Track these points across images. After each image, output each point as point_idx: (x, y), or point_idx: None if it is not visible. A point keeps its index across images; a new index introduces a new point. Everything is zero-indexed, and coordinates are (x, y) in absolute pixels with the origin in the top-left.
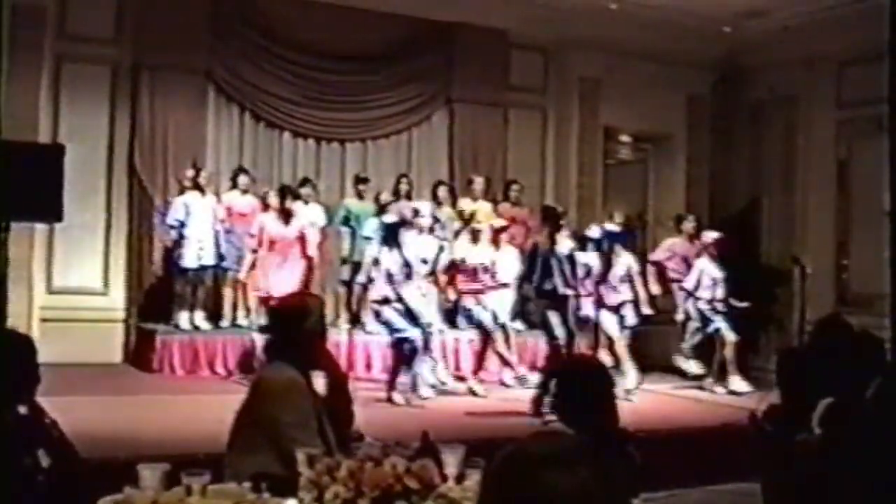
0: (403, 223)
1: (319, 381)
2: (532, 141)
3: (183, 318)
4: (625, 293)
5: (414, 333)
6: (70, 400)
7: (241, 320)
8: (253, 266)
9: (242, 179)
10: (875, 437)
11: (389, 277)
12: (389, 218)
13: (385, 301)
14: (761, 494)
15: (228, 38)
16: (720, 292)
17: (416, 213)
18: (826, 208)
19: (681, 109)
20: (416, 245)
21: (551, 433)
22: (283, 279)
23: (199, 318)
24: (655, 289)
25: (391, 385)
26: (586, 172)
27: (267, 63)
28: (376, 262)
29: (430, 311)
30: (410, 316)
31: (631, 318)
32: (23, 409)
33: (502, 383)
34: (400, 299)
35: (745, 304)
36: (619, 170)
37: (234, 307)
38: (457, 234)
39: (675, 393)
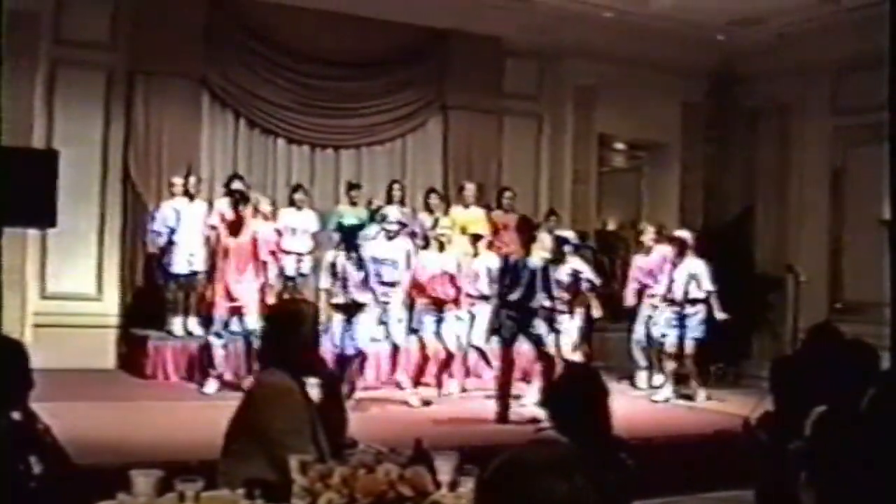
0: (362, 227)
1: (313, 388)
2: (526, 148)
3: (176, 323)
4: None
5: (357, 346)
6: (63, 406)
7: (234, 326)
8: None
9: (236, 185)
10: (870, 446)
11: (345, 283)
12: (347, 220)
13: (338, 308)
14: (755, 502)
15: (223, 45)
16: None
17: (382, 217)
18: (820, 216)
19: (675, 117)
20: (381, 250)
21: (546, 441)
22: (244, 287)
23: (193, 323)
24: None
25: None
26: (581, 180)
27: (261, 69)
28: (333, 266)
29: (390, 322)
30: (353, 326)
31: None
32: (15, 415)
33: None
34: (357, 306)
35: (724, 316)
36: (614, 177)
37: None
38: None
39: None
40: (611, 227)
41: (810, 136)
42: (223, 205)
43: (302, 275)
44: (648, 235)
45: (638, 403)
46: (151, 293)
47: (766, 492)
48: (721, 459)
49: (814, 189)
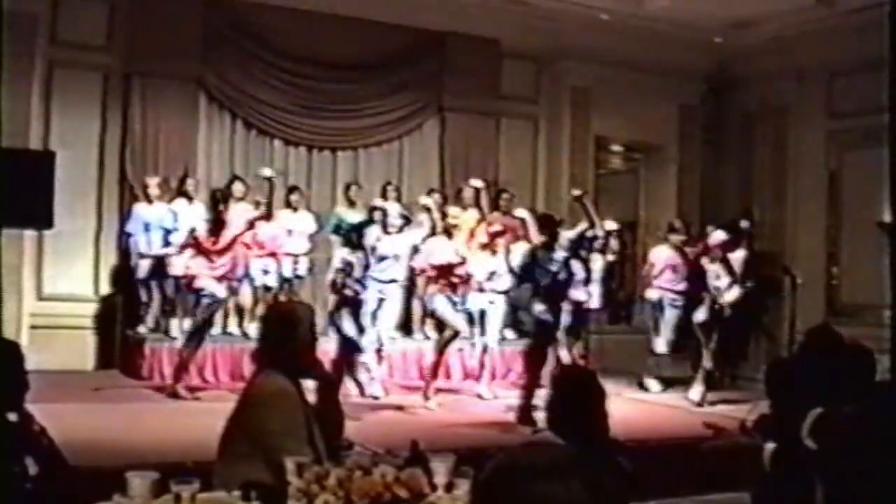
0: (369, 223)
1: (309, 390)
2: (523, 150)
3: (173, 325)
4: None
5: (363, 340)
6: (59, 407)
7: (232, 328)
8: None
9: (237, 187)
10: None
11: (351, 279)
12: (353, 217)
13: (343, 303)
14: None
15: (220, 46)
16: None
17: (384, 213)
18: (816, 219)
19: (672, 119)
20: (384, 245)
21: (542, 444)
22: None
23: (189, 325)
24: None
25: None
26: (577, 182)
27: (258, 71)
28: (349, 264)
29: (389, 318)
30: (361, 321)
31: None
32: (12, 417)
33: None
34: (358, 303)
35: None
36: (611, 179)
37: (225, 315)
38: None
39: (665, 402)
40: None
41: (806, 139)
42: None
43: (298, 276)
44: (678, 235)
45: (635, 406)
46: (148, 294)
47: (762, 494)
48: (717, 462)
49: (810, 192)
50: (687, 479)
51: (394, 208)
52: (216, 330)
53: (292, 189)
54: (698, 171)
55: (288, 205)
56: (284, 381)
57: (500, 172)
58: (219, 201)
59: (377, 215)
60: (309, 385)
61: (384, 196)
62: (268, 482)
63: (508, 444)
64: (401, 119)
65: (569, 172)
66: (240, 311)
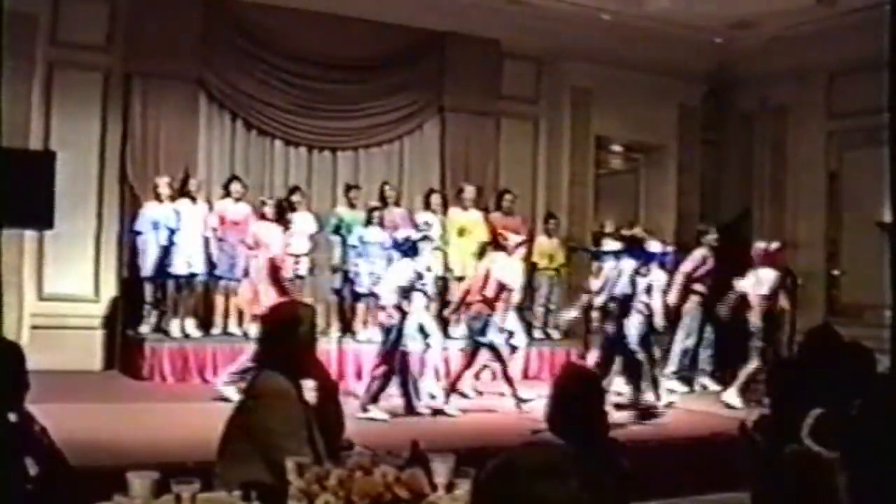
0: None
1: (310, 390)
2: (524, 150)
3: (173, 325)
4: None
5: (418, 347)
6: (60, 407)
7: (232, 328)
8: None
9: (235, 187)
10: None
11: (402, 290)
12: (411, 234)
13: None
14: None
15: (220, 47)
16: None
17: (427, 225)
18: (816, 219)
19: (672, 120)
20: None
21: (542, 444)
22: None
23: (190, 325)
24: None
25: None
26: (578, 182)
27: (259, 71)
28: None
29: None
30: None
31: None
32: (12, 417)
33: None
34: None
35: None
36: (611, 179)
37: (226, 315)
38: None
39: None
40: (608, 229)
41: (806, 139)
42: (223, 206)
43: (299, 276)
44: (713, 236)
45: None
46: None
47: (762, 494)
48: (717, 462)
49: (810, 192)
50: (687, 479)
51: (433, 219)
52: (216, 330)
53: (293, 189)
54: (698, 171)
55: (289, 205)
56: (284, 381)
57: (500, 173)
58: (284, 210)
59: (424, 227)
60: (309, 385)
61: (382, 198)
62: (268, 482)
63: (508, 444)
64: (401, 119)
65: (569, 173)
66: (240, 311)
